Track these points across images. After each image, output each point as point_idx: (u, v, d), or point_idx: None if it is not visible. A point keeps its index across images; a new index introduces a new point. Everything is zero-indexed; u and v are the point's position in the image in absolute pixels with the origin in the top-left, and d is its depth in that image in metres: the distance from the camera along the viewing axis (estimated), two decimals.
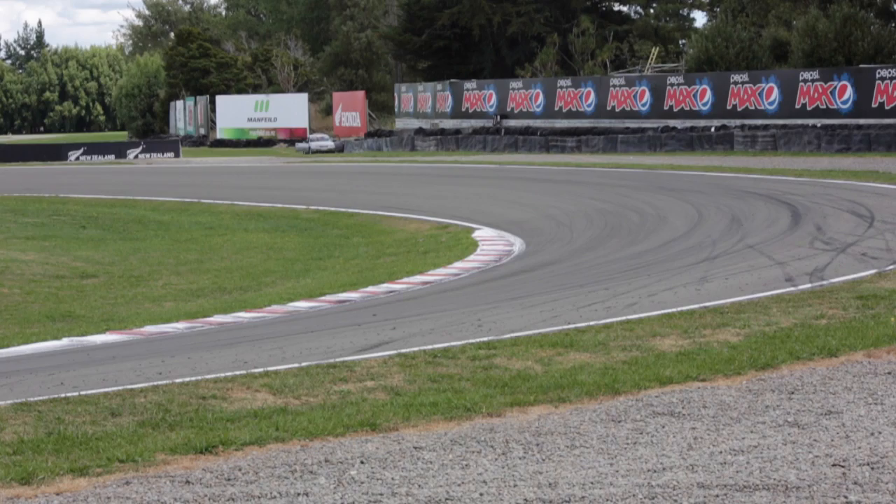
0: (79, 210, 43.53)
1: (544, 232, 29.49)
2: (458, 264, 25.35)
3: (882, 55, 51.23)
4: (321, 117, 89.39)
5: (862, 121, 45.64)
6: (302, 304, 21.48)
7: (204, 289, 27.12)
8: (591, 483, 7.91)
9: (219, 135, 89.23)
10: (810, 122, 47.39)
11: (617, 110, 57.07)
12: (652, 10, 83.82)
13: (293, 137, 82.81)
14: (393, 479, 8.23)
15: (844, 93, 47.10)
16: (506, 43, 78.87)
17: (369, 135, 74.56)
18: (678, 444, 8.83)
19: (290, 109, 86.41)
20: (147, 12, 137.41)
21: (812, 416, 9.44)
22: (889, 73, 45.64)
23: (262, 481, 8.29)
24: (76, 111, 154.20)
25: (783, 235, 23.22)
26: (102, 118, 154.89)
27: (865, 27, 52.84)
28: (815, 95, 48.05)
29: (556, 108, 60.32)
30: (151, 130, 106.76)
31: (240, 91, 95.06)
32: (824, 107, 47.66)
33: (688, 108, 53.54)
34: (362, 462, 8.66)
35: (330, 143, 73.25)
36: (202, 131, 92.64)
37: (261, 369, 12.26)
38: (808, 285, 16.44)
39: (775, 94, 49.77)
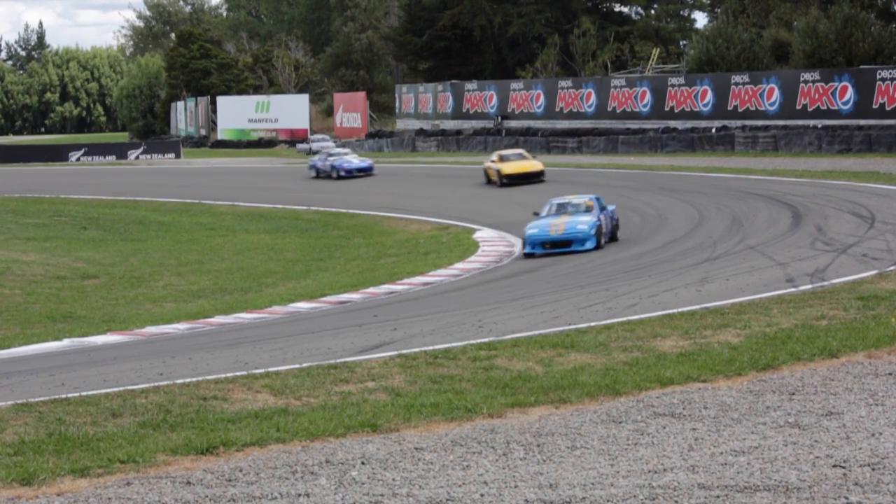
0: (80, 211, 43.54)
1: None
2: (459, 265, 25.38)
3: (883, 56, 51.17)
4: (322, 118, 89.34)
5: (863, 122, 45.59)
6: (303, 305, 21.52)
7: (205, 289, 27.14)
8: (592, 484, 7.91)
9: (220, 136, 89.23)
10: (811, 122, 47.35)
11: (618, 111, 57.04)
12: (653, 11, 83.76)
13: (294, 138, 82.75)
14: (394, 479, 8.24)
15: (845, 94, 47.07)
16: (507, 44, 78.83)
17: (370, 136, 74.56)
18: (679, 444, 8.83)
19: (291, 110, 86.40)
20: (148, 13, 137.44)
21: (813, 417, 9.44)
22: (890, 73, 45.62)
23: (262, 482, 8.30)
24: (77, 112, 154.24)
25: (784, 236, 23.22)
26: (103, 119, 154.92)
27: (866, 28, 52.79)
28: (816, 96, 48.03)
29: (557, 109, 60.31)
30: (152, 131, 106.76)
31: (241, 92, 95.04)
32: (825, 108, 47.63)
33: (688, 109, 53.52)
34: (363, 463, 8.66)
35: (331, 144, 73.26)
36: (203, 132, 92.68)
37: (262, 370, 12.27)
38: (809, 286, 16.44)
39: (776, 94, 49.75)
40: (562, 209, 26.18)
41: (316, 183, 49.38)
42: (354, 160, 49.97)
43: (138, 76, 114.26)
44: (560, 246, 25.10)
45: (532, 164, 40.86)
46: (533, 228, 25.72)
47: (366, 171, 49.19)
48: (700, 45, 58.80)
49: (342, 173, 48.56)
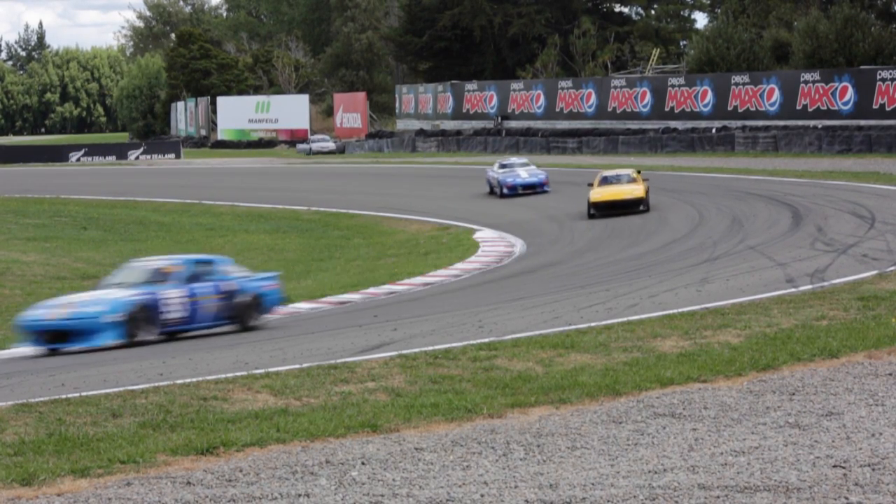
0: (80, 211, 43.50)
1: (545, 233, 29.53)
2: (459, 265, 25.40)
3: (883, 56, 51.22)
4: (322, 118, 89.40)
5: (863, 122, 45.64)
6: (303, 305, 21.53)
7: None
8: (592, 484, 7.90)
9: (220, 136, 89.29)
10: (811, 123, 47.39)
11: (618, 111, 57.10)
12: (653, 12, 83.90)
13: (294, 139, 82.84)
14: (394, 480, 8.23)
15: (845, 94, 47.13)
16: (507, 44, 78.91)
17: (370, 136, 74.62)
18: (679, 445, 8.82)
19: (291, 111, 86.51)
20: (148, 13, 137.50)
21: (813, 418, 9.43)
22: (890, 74, 45.65)
23: (263, 482, 8.29)
24: (77, 112, 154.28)
25: (784, 236, 23.23)
26: (103, 119, 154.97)
27: (866, 28, 52.87)
28: (816, 96, 48.06)
29: (557, 110, 60.37)
30: (152, 131, 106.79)
31: (241, 92, 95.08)
32: (825, 108, 47.67)
33: (689, 110, 53.56)
34: (363, 463, 8.66)
35: (331, 145, 73.26)
36: (203, 132, 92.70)
37: (262, 370, 12.27)
38: (809, 286, 16.44)
39: (776, 95, 49.79)
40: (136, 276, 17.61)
41: (315, 182, 49.32)
42: (522, 173, 38.95)
43: (138, 76, 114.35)
44: (59, 339, 16.53)
45: (625, 190, 31.33)
46: (32, 309, 17.34)
47: (534, 188, 38.31)
48: (700, 45, 58.87)
49: (505, 191, 38.23)
